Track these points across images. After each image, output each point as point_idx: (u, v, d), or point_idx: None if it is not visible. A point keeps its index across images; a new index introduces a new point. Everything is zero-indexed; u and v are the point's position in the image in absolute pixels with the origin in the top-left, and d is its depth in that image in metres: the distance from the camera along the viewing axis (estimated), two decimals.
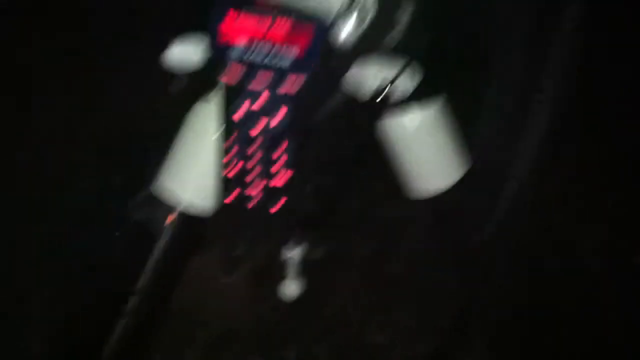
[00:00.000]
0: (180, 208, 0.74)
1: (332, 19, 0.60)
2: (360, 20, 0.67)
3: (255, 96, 0.62)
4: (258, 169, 0.66)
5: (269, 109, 0.62)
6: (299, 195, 0.71)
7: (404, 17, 0.71)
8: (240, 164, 0.66)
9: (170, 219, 0.74)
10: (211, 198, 0.70)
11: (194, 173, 0.72)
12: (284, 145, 0.64)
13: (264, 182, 0.67)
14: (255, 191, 0.68)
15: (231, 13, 0.59)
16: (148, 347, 0.79)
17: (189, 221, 0.74)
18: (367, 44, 0.65)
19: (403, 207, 0.81)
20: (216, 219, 0.72)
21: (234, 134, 0.64)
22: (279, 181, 0.67)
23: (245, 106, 0.63)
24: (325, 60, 0.61)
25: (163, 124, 0.70)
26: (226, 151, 0.66)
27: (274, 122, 0.63)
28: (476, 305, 0.84)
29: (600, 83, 1.15)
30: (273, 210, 0.68)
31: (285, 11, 0.58)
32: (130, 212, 0.73)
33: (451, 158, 0.78)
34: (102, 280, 0.74)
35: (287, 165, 0.66)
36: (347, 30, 0.68)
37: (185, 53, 0.64)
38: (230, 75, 0.62)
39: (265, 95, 0.62)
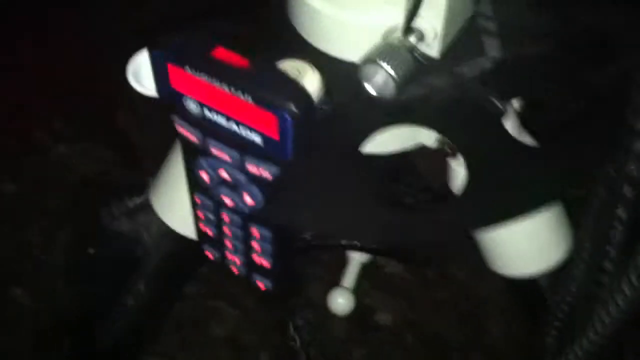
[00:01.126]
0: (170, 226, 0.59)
1: (309, 104, 0.37)
2: (396, 72, 0.44)
3: (220, 164, 0.43)
4: (236, 239, 0.48)
5: (237, 186, 0.43)
6: None
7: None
8: (216, 226, 0.48)
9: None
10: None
11: (180, 199, 0.56)
12: (264, 228, 0.46)
13: (245, 256, 0.49)
14: (237, 260, 0.50)
15: (170, 67, 0.39)
16: None
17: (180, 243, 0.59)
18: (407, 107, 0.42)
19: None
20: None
21: (204, 193, 0.46)
22: (263, 261, 0.49)
23: (211, 170, 0.44)
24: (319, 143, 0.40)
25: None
26: (199, 207, 0.48)
27: (249, 201, 0.43)
28: None
29: None
30: (261, 287, 0.51)
31: (243, 89, 0.36)
32: (116, 221, 0.59)
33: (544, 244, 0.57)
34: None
35: (273, 249, 0.47)
36: (376, 86, 0.45)
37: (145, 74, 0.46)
38: (187, 130, 0.42)
39: (232, 168, 0.42)
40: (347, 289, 0.76)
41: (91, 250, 0.57)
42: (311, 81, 0.46)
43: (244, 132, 0.39)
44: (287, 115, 0.36)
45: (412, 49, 0.47)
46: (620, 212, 0.50)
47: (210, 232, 0.49)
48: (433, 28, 0.47)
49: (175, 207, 0.57)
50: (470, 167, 0.44)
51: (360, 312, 1.06)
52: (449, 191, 0.53)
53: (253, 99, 0.37)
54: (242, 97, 0.37)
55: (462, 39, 0.51)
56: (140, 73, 0.46)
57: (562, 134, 0.47)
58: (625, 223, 0.49)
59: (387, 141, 0.50)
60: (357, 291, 0.94)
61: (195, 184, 0.46)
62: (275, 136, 0.38)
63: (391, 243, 0.42)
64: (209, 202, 0.46)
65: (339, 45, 0.48)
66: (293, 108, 0.36)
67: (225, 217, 0.46)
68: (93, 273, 0.60)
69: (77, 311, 0.66)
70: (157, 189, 0.58)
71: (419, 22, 0.47)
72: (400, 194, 0.85)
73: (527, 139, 0.54)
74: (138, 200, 0.59)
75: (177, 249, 0.61)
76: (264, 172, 0.41)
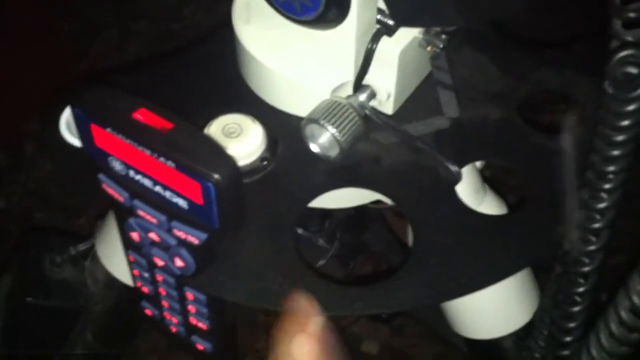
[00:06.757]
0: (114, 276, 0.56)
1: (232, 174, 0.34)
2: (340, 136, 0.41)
3: (148, 226, 0.40)
4: (172, 299, 0.46)
5: (168, 248, 0.41)
6: None
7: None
8: (151, 284, 0.46)
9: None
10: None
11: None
12: (198, 291, 0.43)
13: (182, 316, 0.47)
14: (173, 319, 0.48)
15: (93, 126, 0.37)
16: None
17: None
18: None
19: None
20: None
21: (137, 251, 0.44)
22: (200, 323, 0.46)
23: (140, 230, 0.41)
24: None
25: None
26: (133, 265, 0.46)
27: (179, 264, 0.41)
28: None
29: None
30: (199, 347, 0.48)
31: (165, 155, 0.35)
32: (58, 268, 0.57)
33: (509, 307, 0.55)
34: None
35: (209, 312, 0.45)
36: (320, 146, 0.43)
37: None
38: (113, 190, 0.40)
39: (160, 230, 0.40)
40: None
41: (29, 299, 0.55)
42: (253, 135, 0.44)
43: (170, 195, 0.37)
44: (210, 185, 0.34)
45: (362, 106, 0.44)
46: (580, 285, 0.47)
47: (146, 290, 0.47)
48: (386, 88, 0.45)
49: (119, 256, 0.55)
50: (418, 237, 0.42)
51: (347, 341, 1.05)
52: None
53: (175, 165, 0.35)
54: (164, 162, 0.35)
55: (420, 95, 0.49)
56: (73, 125, 0.44)
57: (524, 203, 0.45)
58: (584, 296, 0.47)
59: (343, 197, 0.48)
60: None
61: (127, 242, 0.44)
62: (200, 202, 0.36)
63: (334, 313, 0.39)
64: (142, 261, 0.44)
65: (287, 100, 0.46)
66: (216, 177, 0.34)
67: (159, 277, 0.44)
68: (34, 323, 0.58)
69: None
70: (102, 236, 0.56)
71: (371, 80, 0.45)
72: (368, 243, 0.83)
73: (487, 205, 0.51)
74: (83, 246, 0.57)
75: (124, 298, 0.59)
76: (191, 238, 0.38)
